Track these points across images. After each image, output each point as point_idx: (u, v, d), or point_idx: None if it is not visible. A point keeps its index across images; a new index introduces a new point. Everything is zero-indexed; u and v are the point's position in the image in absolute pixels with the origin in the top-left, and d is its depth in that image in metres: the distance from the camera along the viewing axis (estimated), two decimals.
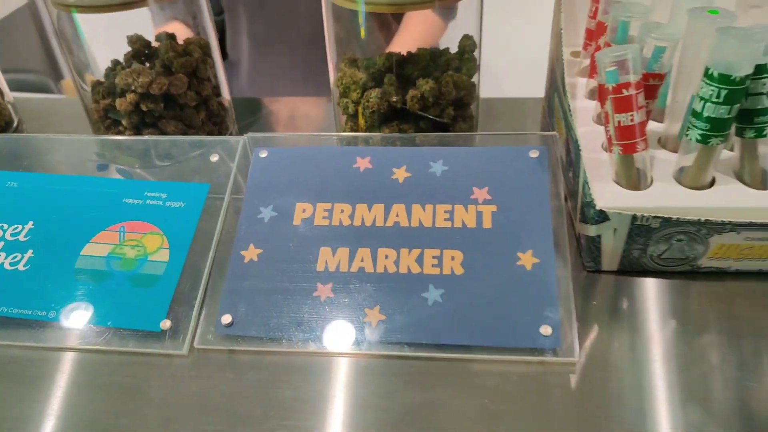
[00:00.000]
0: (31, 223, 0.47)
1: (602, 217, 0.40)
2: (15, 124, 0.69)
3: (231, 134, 0.66)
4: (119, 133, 0.59)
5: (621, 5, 0.45)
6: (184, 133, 0.60)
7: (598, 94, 0.41)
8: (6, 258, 0.46)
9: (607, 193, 0.41)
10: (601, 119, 0.50)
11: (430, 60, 0.54)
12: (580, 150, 0.43)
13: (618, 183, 0.43)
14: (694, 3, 0.42)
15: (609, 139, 0.42)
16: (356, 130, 0.56)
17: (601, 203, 0.40)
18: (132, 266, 0.45)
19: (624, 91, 0.39)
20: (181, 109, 0.60)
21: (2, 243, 0.46)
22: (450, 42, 0.56)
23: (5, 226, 0.47)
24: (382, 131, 0.54)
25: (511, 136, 0.50)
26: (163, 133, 0.59)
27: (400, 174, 0.47)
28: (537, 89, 0.70)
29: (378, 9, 0.49)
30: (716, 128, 0.39)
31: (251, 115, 0.71)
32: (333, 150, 0.50)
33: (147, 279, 0.44)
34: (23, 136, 0.55)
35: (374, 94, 0.52)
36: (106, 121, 0.60)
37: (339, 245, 0.44)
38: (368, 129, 0.55)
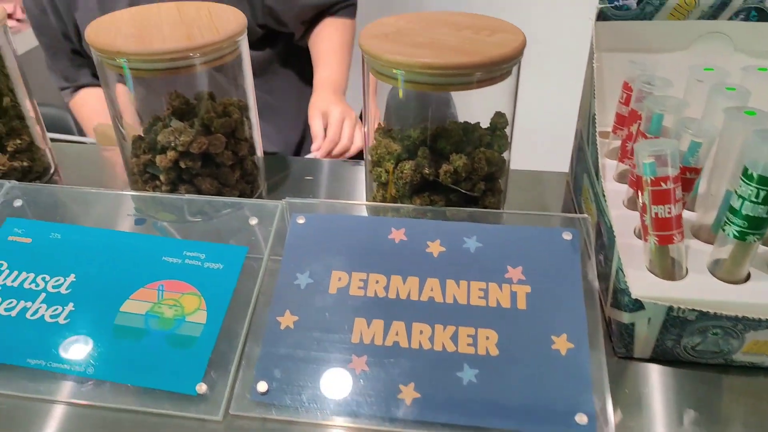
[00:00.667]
0: (72, 276, 0.48)
1: (637, 305, 0.41)
2: (52, 170, 0.71)
3: (261, 192, 0.67)
4: (156, 187, 0.61)
5: (656, 98, 0.47)
6: (219, 191, 0.61)
7: (636, 184, 0.43)
8: (47, 310, 0.46)
9: (642, 282, 0.42)
10: (632, 203, 0.51)
11: (462, 135, 0.56)
12: (614, 237, 0.44)
13: (652, 271, 0.43)
14: (730, 101, 0.44)
15: (645, 229, 0.43)
16: (386, 198, 0.57)
17: (636, 292, 0.41)
18: (170, 326, 0.45)
19: (663, 184, 0.40)
20: (218, 167, 0.61)
21: (44, 294, 0.47)
22: (481, 116, 0.58)
23: (47, 277, 0.48)
24: (413, 201, 0.55)
25: (542, 216, 0.51)
26: (198, 189, 0.60)
27: (435, 248, 0.48)
28: (556, 161, 0.72)
29: (418, 88, 0.51)
30: (754, 226, 0.40)
31: (277, 172, 0.72)
32: (369, 220, 0.52)
33: (184, 340, 0.44)
34: (66, 188, 0.57)
35: (408, 165, 0.54)
36: (144, 175, 0.61)
37: (374, 317, 0.45)
38: (399, 198, 0.56)
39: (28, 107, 0.68)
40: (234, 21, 0.58)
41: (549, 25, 1.36)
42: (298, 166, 0.74)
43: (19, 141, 0.66)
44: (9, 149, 0.65)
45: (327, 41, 1.13)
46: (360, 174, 0.72)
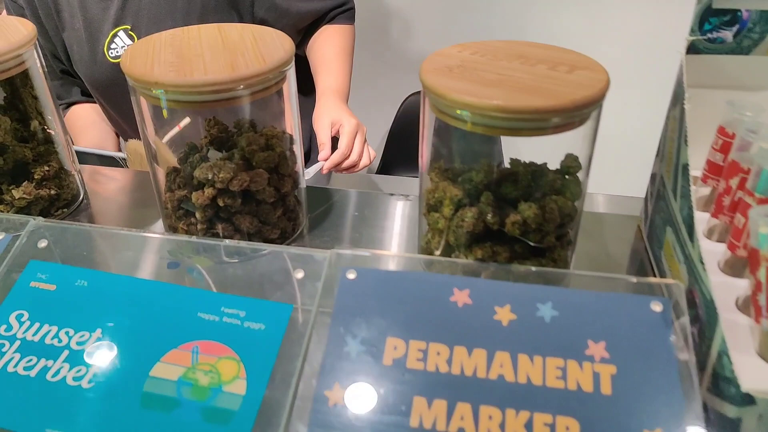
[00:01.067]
0: (99, 331, 0.44)
1: (747, 400, 0.35)
2: (81, 197, 0.67)
3: (303, 230, 0.62)
4: (191, 224, 0.56)
5: (766, 152, 0.41)
6: (259, 230, 0.57)
7: (749, 256, 0.37)
8: (70, 371, 0.42)
9: (754, 372, 0.36)
10: (731, 267, 0.45)
11: (531, 180, 0.50)
12: (717, 314, 0.38)
13: (763, 357, 0.37)
14: None
15: (758, 309, 0.37)
16: (441, 246, 0.52)
17: (747, 385, 0.35)
18: (204, 396, 0.40)
19: None
20: (258, 204, 0.56)
21: (67, 352, 0.43)
22: (549, 157, 0.52)
23: (71, 332, 0.44)
24: (473, 251, 0.49)
25: (626, 281, 0.45)
26: (237, 228, 0.56)
27: (504, 315, 0.43)
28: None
29: (487, 131, 0.45)
30: None
31: (318, 204, 0.67)
32: (428, 277, 0.46)
33: (221, 414, 0.39)
34: (95, 228, 0.52)
35: (470, 213, 0.48)
36: (178, 211, 0.57)
37: (435, 396, 0.39)
38: (457, 247, 0.51)
39: (57, 129, 0.64)
40: (281, 47, 0.53)
41: (620, 53, 1.29)
42: (340, 197, 0.69)
43: (47, 167, 0.62)
44: (36, 177, 0.61)
45: (327, 47, 1.09)
46: (410, 210, 0.67)
